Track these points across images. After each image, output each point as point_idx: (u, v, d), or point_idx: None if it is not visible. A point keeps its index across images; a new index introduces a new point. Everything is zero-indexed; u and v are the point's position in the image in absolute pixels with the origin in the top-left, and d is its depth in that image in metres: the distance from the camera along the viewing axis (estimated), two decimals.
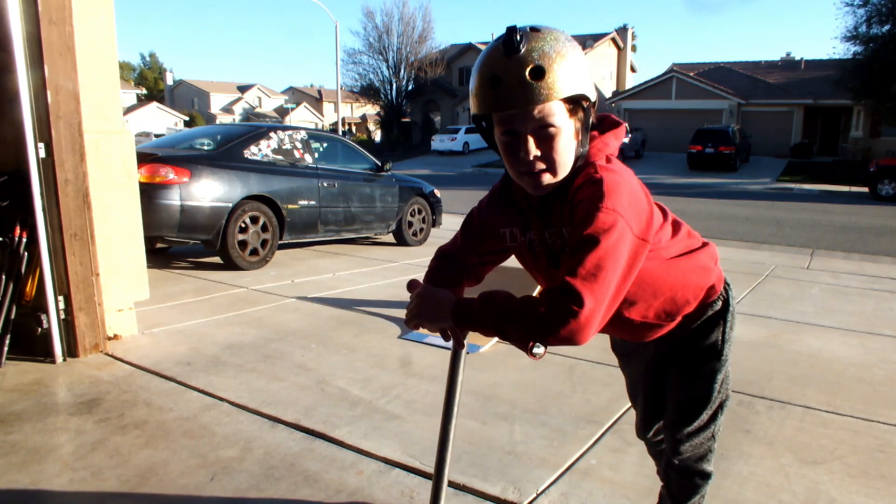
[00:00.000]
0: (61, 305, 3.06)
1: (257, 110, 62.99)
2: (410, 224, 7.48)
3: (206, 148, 5.89)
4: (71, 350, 3.10)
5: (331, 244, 7.20)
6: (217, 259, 5.65)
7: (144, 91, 68.40)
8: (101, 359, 3.13)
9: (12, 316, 3.00)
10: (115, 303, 3.41)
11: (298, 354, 3.32)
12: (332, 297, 4.64)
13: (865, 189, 17.05)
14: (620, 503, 1.98)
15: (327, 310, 4.26)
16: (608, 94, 35.58)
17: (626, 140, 24.55)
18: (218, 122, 51.70)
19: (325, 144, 6.85)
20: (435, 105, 41.26)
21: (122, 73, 13.50)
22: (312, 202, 6.17)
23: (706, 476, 1.55)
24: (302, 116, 57.82)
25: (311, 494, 1.98)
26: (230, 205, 5.35)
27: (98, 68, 3.21)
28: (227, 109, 61.84)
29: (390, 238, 7.59)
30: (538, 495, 2.00)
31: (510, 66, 1.09)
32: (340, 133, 27.71)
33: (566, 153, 1.17)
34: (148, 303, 3.80)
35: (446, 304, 1.19)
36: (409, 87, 39.96)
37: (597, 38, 39.22)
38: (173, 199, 5.03)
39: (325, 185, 6.32)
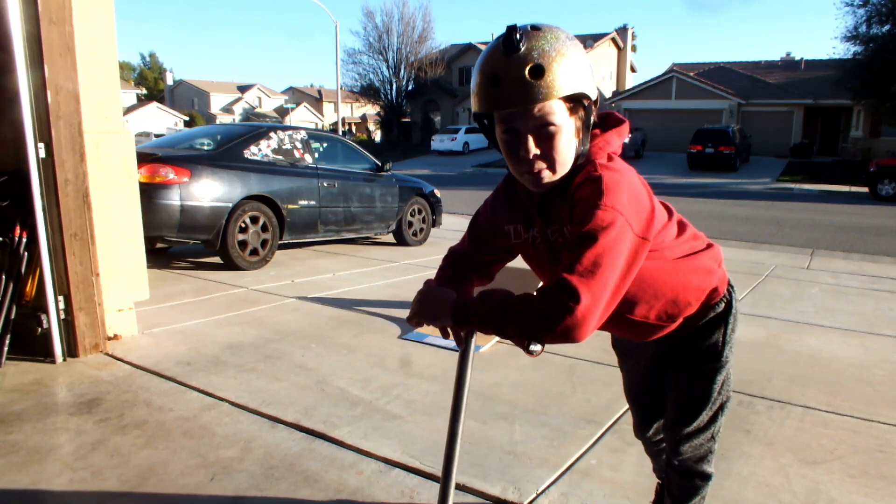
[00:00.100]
0: (61, 305, 3.06)
1: (257, 110, 63.00)
2: (410, 224, 7.48)
3: (206, 148, 5.89)
4: (71, 350, 3.10)
5: (331, 244, 7.20)
6: (217, 259, 5.65)
7: (144, 91, 68.44)
8: (101, 359, 3.13)
9: (12, 316, 3.00)
10: (115, 303, 3.41)
11: (298, 354, 3.32)
12: (332, 297, 4.64)
13: (865, 189, 17.05)
14: (620, 503, 1.98)
15: (327, 310, 4.26)
16: (608, 95, 35.56)
17: (627, 140, 24.54)
18: (218, 122, 51.72)
19: (325, 144, 6.85)
20: (435, 105, 41.27)
21: (122, 73, 13.51)
22: (312, 202, 6.17)
23: (706, 477, 1.55)
24: (302, 116, 57.83)
25: (311, 494, 1.98)
26: (230, 205, 5.35)
27: (98, 68, 3.21)
28: (227, 109, 61.85)
29: (390, 238, 7.59)
30: (538, 495, 2.00)
31: (510, 65, 1.09)
32: (340, 133, 27.71)
33: (566, 151, 1.17)
34: (148, 303, 3.80)
35: (446, 303, 1.19)
36: (409, 87, 39.98)
37: (597, 38, 39.27)
38: (173, 199, 5.03)
39: (325, 185, 6.32)
